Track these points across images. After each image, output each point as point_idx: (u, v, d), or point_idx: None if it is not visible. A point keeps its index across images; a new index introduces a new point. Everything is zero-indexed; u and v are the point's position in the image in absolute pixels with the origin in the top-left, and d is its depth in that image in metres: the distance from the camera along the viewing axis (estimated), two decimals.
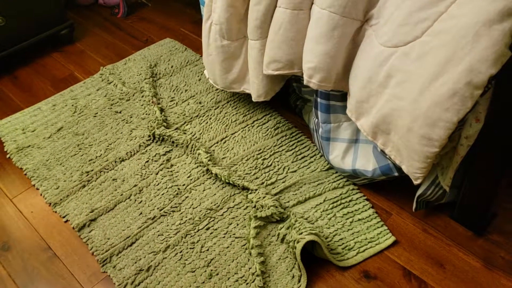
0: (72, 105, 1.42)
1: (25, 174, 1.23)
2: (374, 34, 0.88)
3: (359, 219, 1.06)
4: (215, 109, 1.37)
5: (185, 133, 1.29)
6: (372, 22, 0.89)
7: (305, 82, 1.00)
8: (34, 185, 1.20)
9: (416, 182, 0.90)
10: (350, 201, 1.10)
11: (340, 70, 0.96)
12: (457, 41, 0.73)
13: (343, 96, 1.05)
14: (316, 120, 1.12)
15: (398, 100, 0.83)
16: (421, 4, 0.78)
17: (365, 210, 1.08)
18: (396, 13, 0.82)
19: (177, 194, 1.14)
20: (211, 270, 0.98)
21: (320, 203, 1.10)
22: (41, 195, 1.18)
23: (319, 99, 1.07)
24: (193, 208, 1.10)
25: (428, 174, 0.94)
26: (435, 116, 0.78)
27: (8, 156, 1.29)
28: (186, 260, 1.01)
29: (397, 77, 0.83)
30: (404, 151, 0.87)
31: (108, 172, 1.21)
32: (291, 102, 1.35)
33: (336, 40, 0.91)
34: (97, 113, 1.39)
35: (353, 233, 1.04)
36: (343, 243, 1.02)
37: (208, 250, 1.02)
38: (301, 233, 0.97)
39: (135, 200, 1.13)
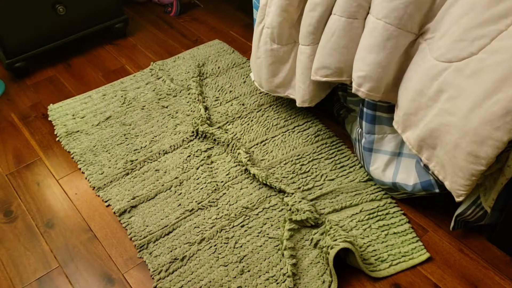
0: (122, 96, 1.47)
1: (72, 158, 1.29)
2: (428, 48, 0.88)
3: (394, 233, 1.06)
4: (257, 111, 1.40)
5: (226, 132, 1.31)
6: (427, 36, 0.89)
7: (353, 90, 1.01)
8: (80, 169, 1.25)
9: (458, 200, 0.89)
10: (386, 214, 1.10)
11: (390, 81, 0.97)
12: None
13: (390, 108, 1.05)
14: (360, 130, 1.13)
15: (447, 115, 0.83)
16: (480, 21, 0.78)
17: (401, 224, 1.07)
18: (453, 29, 0.82)
19: (215, 189, 1.16)
20: (243, 267, 1.00)
21: (356, 213, 1.10)
22: (86, 178, 1.23)
23: (365, 109, 1.08)
24: (230, 205, 1.13)
25: (469, 194, 0.93)
26: (484, 133, 0.78)
27: (57, 139, 1.35)
28: (220, 254, 1.03)
29: (449, 92, 0.82)
30: (448, 167, 0.87)
31: (151, 162, 1.25)
32: (334, 111, 1.36)
33: (389, 51, 0.92)
34: (144, 106, 1.43)
35: (387, 246, 1.03)
36: (376, 254, 1.02)
37: (241, 246, 1.04)
38: (336, 240, 0.97)
39: (175, 191, 1.16)
